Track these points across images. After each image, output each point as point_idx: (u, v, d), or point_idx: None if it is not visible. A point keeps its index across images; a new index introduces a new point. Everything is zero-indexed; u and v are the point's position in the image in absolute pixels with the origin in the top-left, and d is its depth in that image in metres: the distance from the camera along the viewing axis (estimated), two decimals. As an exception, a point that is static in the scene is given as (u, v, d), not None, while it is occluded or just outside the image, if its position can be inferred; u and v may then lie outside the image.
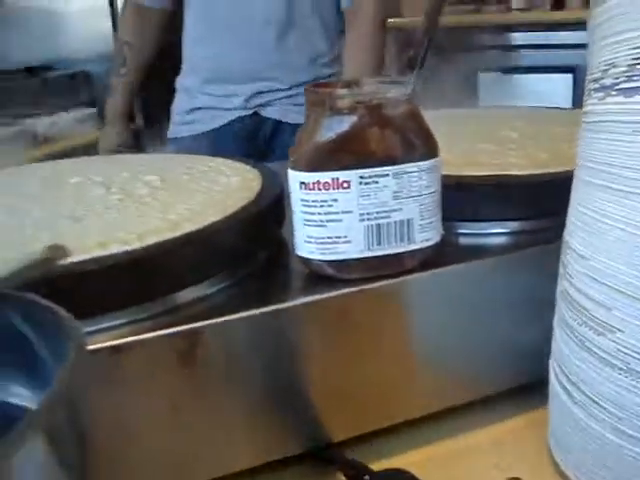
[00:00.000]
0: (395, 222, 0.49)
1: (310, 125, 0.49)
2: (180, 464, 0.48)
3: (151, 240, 0.47)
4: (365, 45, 1.45)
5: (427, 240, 0.51)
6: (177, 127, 1.50)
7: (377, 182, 0.48)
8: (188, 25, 1.46)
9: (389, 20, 2.40)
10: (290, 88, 1.42)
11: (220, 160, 0.68)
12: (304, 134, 0.49)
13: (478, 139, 0.69)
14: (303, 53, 1.42)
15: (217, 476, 0.49)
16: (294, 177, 0.49)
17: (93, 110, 2.17)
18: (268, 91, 1.42)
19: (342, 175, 0.47)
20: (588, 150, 0.44)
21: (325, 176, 0.47)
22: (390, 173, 0.48)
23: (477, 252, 0.55)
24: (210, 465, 0.49)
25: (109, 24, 2.26)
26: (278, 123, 1.44)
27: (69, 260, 0.44)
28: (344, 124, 0.47)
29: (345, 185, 0.48)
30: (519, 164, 0.60)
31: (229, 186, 0.59)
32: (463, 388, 0.55)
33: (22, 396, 0.35)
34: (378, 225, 0.49)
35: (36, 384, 0.34)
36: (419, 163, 0.49)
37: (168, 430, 0.47)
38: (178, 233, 0.48)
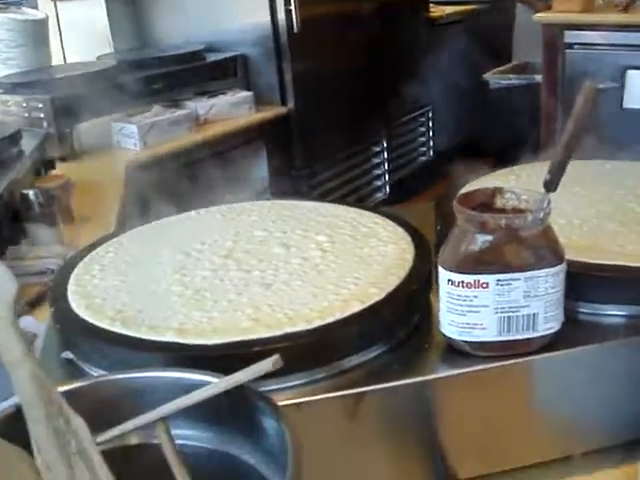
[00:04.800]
0: (523, 315, 0.60)
1: (459, 233, 0.60)
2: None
3: (329, 319, 0.61)
4: None
5: (549, 328, 0.62)
6: None
7: (510, 284, 0.59)
8: None
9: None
10: None
11: (380, 221, 0.80)
12: (452, 238, 0.61)
13: (606, 215, 0.78)
14: None
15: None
16: (443, 274, 0.61)
17: (249, 93, 2.33)
18: None
19: (483, 278, 0.59)
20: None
21: (469, 278, 0.59)
22: (522, 277, 0.59)
23: (594, 334, 0.65)
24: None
25: (266, 10, 2.39)
26: None
27: (268, 335, 0.58)
28: (487, 241, 0.59)
29: (484, 285, 0.59)
30: (638, 254, 0.69)
31: (386, 257, 0.71)
32: (572, 443, 0.66)
33: (246, 451, 0.50)
34: (509, 317, 0.60)
35: (258, 445, 0.49)
36: (547, 269, 0.59)
37: (333, 464, 0.61)
38: (348, 313, 0.62)
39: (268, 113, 2.38)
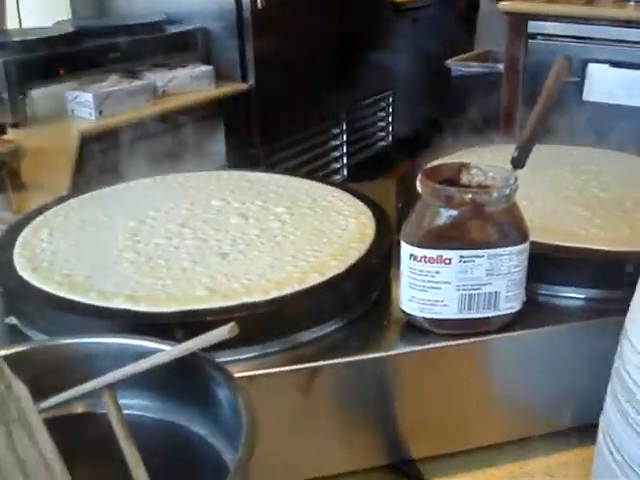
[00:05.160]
0: (485, 293, 0.59)
1: (423, 208, 0.59)
2: (294, 464, 0.60)
3: (286, 291, 0.59)
4: None
5: (511, 308, 0.61)
6: None
7: (474, 261, 0.58)
8: None
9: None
10: None
11: (339, 194, 0.79)
12: (416, 213, 0.60)
13: (569, 199, 0.77)
14: None
15: (319, 475, 0.61)
16: (405, 249, 0.59)
17: (209, 68, 2.29)
18: None
19: (445, 253, 0.58)
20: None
21: (432, 253, 0.58)
22: (485, 255, 0.58)
23: (552, 316, 0.64)
24: (316, 466, 0.61)
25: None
26: None
27: (223, 304, 0.56)
28: (452, 216, 0.57)
29: (447, 261, 0.58)
30: (601, 237, 0.69)
31: (347, 231, 0.70)
32: (528, 425, 0.66)
33: (196, 422, 0.48)
34: (470, 295, 0.59)
35: (209, 416, 0.47)
36: (510, 248, 0.58)
37: (285, 439, 0.59)
38: (307, 285, 0.60)
39: (228, 89, 2.34)
